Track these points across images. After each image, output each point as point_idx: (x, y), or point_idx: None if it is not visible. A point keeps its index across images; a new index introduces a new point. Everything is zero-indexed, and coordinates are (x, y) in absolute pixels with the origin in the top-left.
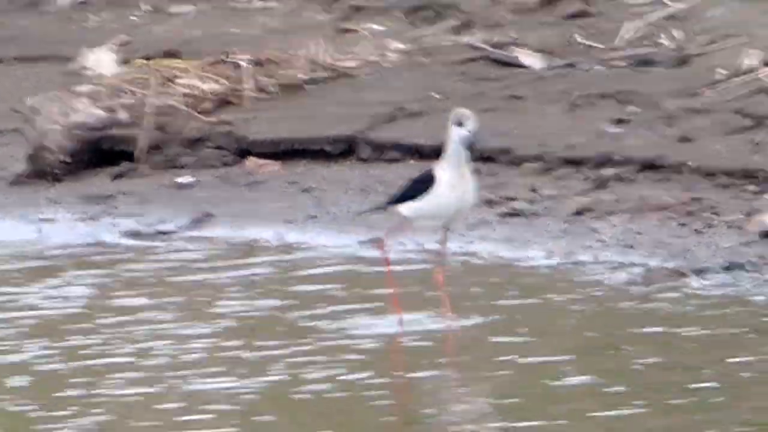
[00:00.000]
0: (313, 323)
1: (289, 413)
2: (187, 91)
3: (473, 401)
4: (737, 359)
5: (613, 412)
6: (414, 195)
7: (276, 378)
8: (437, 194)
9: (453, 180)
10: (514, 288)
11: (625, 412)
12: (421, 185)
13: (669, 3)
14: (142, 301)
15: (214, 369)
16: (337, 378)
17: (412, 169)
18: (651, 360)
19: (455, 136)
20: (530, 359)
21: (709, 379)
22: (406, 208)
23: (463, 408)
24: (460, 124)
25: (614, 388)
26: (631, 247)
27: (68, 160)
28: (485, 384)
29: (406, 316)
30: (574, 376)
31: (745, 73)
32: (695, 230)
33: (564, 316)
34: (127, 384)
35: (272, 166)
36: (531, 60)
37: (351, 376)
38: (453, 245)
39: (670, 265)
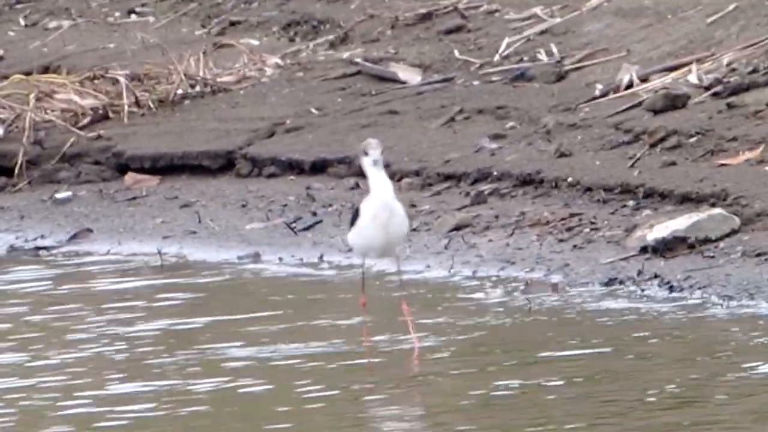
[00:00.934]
0: (191, 335)
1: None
2: (65, 106)
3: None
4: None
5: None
6: (350, 227)
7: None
8: (361, 226)
9: (375, 211)
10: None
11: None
12: (353, 217)
13: (546, 18)
14: (21, 310)
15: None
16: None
17: (291, 185)
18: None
19: (365, 166)
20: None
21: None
22: (348, 238)
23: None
24: (366, 153)
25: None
26: (510, 262)
27: None
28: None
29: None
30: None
31: (623, 88)
32: (574, 245)
33: (441, 331)
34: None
35: (151, 182)
36: (409, 75)
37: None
38: (335, 258)
39: (550, 280)
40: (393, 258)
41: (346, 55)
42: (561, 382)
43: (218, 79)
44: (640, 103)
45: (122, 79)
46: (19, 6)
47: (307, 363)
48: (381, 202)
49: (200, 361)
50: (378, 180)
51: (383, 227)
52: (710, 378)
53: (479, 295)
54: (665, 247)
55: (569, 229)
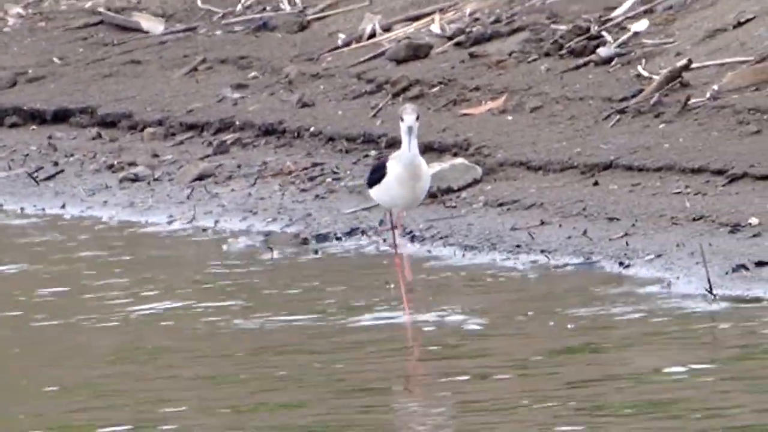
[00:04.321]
0: None
1: None
2: None
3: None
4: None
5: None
6: (372, 182)
7: None
8: (387, 184)
9: (401, 173)
10: (135, 249)
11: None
12: (376, 174)
13: None
14: None
15: None
16: None
17: (33, 135)
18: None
19: (401, 130)
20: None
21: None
22: (371, 192)
23: None
24: (401, 118)
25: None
26: (253, 212)
27: None
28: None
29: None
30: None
31: (366, 38)
32: (317, 195)
33: (184, 277)
34: None
35: None
36: (151, 25)
37: None
38: (74, 210)
39: (292, 230)
40: (397, 212)
41: (88, 4)
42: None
43: None
44: (382, 53)
45: None
46: None
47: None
48: (409, 168)
49: None
50: (408, 146)
51: (410, 188)
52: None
53: (222, 246)
54: None
55: (311, 179)
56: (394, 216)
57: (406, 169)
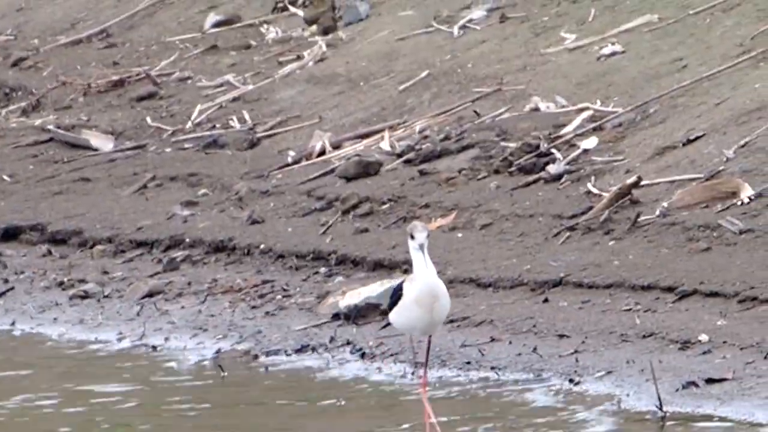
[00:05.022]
0: None
1: None
2: None
3: None
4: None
5: None
6: (390, 306)
7: None
8: (404, 307)
9: (419, 295)
10: (86, 371)
11: None
12: (394, 295)
13: (239, 85)
14: None
15: None
16: None
17: None
18: None
19: (410, 249)
20: None
21: None
22: (390, 317)
23: None
24: (411, 236)
25: None
26: (203, 329)
27: None
28: None
29: None
30: None
31: (315, 155)
32: (267, 312)
33: (130, 398)
34: None
35: None
36: (100, 142)
37: None
38: (24, 326)
39: (242, 347)
40: (425, 339)
41: (38, 122)
42: None
43: None
44: (332, 170)
45: None
46: None
47: None
48: (426, 287)
49: None
50: (422, 264)
51: (428, 311)
52: None
53: (171, 363)
54: (358, 314)
55: (262, 296)
56: (414, 342)
57: (424, 289)
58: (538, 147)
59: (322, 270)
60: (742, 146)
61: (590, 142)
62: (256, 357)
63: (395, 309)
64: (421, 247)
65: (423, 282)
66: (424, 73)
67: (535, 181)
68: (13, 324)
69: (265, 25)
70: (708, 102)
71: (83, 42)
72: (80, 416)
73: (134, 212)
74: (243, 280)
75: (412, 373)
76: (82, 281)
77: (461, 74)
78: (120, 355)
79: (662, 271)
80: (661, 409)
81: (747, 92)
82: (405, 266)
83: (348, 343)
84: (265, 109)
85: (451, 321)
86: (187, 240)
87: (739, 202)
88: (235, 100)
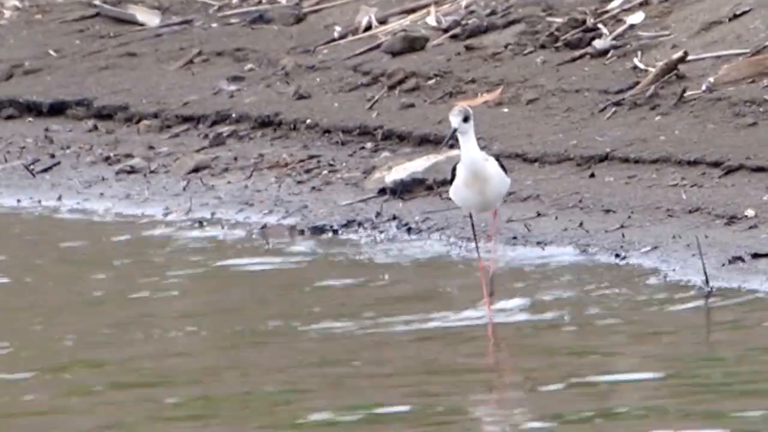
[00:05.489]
0: None
1: None
2: None
3: None
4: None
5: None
6: (450, 183)
7: None
8: (456, 187)
9: (466, 178)
10: (134, 245)
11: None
12: (451, 177)
13: None
14: None
15: None
16: None
17: (29, 127)
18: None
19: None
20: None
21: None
22: (450, 194)
23: None
24: (449, 120)
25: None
26: (249, 204)
27: None
28: None
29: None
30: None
31: (362, 30)
32: (313, 187)
33: (181, 269)
34: None
35: None
36: (147, 17)
37: None
38: (70, 202)
39: (288, 222)
40: (490, 216)
41: None
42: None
43: None
44: (378, 46)
45: None
46: None
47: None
48: (469, 171)
49: None
50: (464, 147)
51: (478, 192)
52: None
53: (219, 234)
54: (404, 189)
55: (308, 171)
56: (474, 219)
57: (468, 171)
58: (584, 22)
59: (368, 145)
60: None
61: (636, 17)
62: (302, 232)
63: (451, 188)
64: (455, 131)
65: (465, 166)
66: None
67: (581, 56)
68: (59, 199)
69: None
70: None
71: None
72: (128, 290)
73: (180, 87)
74: (289, 155)
75: (459, 248)
76: (129, 156)
77: None
78: (165, 229)
79: (708, 147)
80: (707, 284)
81: None
82: (450, 142)
83: (394, 218)
84: None
85: None
86: (234, 115)
87: None
88: None
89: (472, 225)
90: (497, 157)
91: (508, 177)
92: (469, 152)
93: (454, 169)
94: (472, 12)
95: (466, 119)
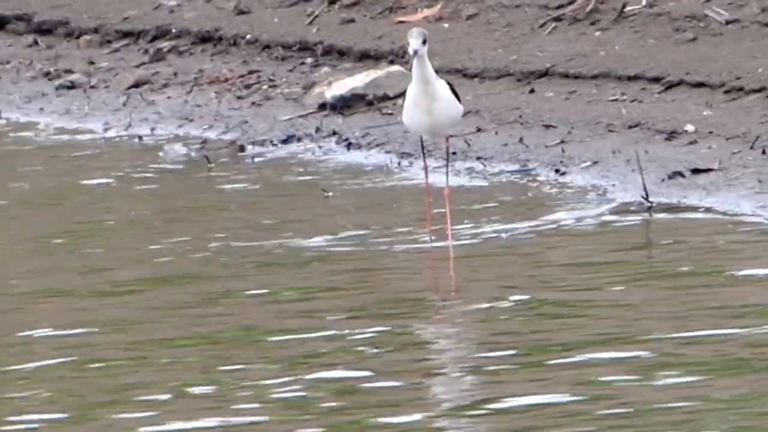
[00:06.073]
0: None
1: None
2: None
3: None
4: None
5: None
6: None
7: None
8: (406, 108)
9: (415, 98)
10: (74, 159)
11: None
12: (403, 98)
13: None
14: None
15: None
16: None
17: None
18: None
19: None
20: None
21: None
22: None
23: None
24: (408, 42)
25: None
26: (189, 119)
27: None
28: None
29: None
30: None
31: None
32: (253, 102)
33: (115, 187)
34: None
35: None
36: None
37: None
38: (13, 115)
39: (228, 137)
40: (444, 141)
41: None
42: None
43: None
44: None
45: None
46: None
47: None
48: (418, 90)
49: None
50: (416, 69)
51: (426, 112)
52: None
53: (158, 153)
54: (344, 104)
55: (248, 87)
56: (424, 141)
57: (417, 92)
58: None
59: (309, 60)
60: None
61: None
62: (242, 147)
63: (403, 111)
64: (415, 53)
65: (416, 85)
66: None
67: None
68: None
69: None
70: None
71: None
72: (67, 206)
73: (120, 2)
74: (229, 70)
75: (398, 164)
76: (69, 71)
77: None
78: (106, 144)
79: (648, 62)
80: (647, 199)
81: None
82: (391, 57)
83: (334, 133)
84: None
85: None
86: (174, 30)
87: None
88: None
89: (423, 148)
90: (450, 84)
91: (460, 104)
92: (422, 70)
93: (404, 93)
94: None
95: (424, 42)
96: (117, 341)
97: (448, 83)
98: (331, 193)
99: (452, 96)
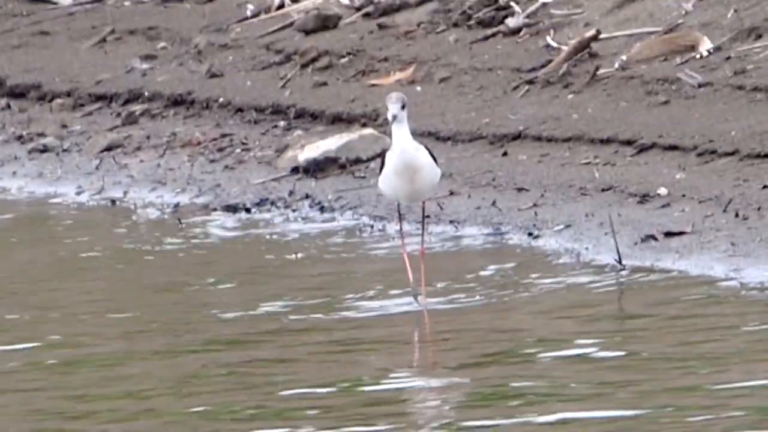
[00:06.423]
0: None
1: None
2: None
3: None
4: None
5: None
6: (379, 172)
7: None
8: (385, 176)
9: (396, 166)
10: (52, 223)
11: None
12: (381, 164)
13: None
14: None
15: None
16: None
17: None
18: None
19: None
20: None
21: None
22: (378, 184)
23: None
24: (387, 108)
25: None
26: (162, 183)
27: None
28: None
29: None
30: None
31: (275, 8)
32: (226, 166)
33: (88, 249)
34: None
35: None
36: None
37: None
38: None
39: (201, 200)
40: (420, 207)
41: None
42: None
43: None
44: (291, 24)
45: None
46: None
47: None
48: (399, 160)
49: None
50: (396, 136)
51: (408, 181)
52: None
53: (132, 213)
54: (317, 168)
55: (221, 150)
56: (401, 208)
57: (398, 161)
58: (496, 0)
59: (281, 124)
60: None
61: None
62: (214, 210)
63: (380, 178)
64: (394, 117)
65: (397, 153)
66: None
67: (493, 35)
68: None
69: None
70: None
71: None
72: (46, 266)
73: (93, 66)
74: (202, 133)
75: (371, 227)
76: (41, 135)
77: None
78: (79, 208)
79: (621, 125)
80: (620, 262)
81: None
82: (363, 120)
83: (307, 196)
84: None
85: None
86: (146, 94)
87: (698, 56)
88: None
89: (399, 213)
90: (427, 148)
91: (438, 168)
92: (402, 140)
93: (381, 160)
94: None
95: (403, 106)
96: None
97: (426, 147)
98: (300, 255)
99: (432, 162)
